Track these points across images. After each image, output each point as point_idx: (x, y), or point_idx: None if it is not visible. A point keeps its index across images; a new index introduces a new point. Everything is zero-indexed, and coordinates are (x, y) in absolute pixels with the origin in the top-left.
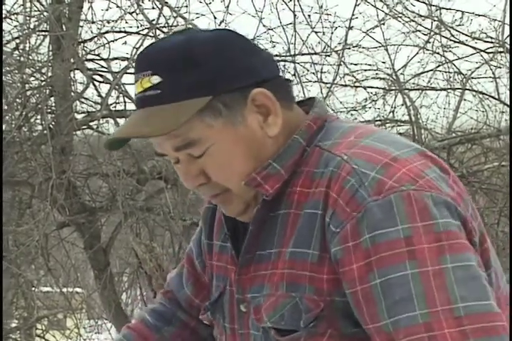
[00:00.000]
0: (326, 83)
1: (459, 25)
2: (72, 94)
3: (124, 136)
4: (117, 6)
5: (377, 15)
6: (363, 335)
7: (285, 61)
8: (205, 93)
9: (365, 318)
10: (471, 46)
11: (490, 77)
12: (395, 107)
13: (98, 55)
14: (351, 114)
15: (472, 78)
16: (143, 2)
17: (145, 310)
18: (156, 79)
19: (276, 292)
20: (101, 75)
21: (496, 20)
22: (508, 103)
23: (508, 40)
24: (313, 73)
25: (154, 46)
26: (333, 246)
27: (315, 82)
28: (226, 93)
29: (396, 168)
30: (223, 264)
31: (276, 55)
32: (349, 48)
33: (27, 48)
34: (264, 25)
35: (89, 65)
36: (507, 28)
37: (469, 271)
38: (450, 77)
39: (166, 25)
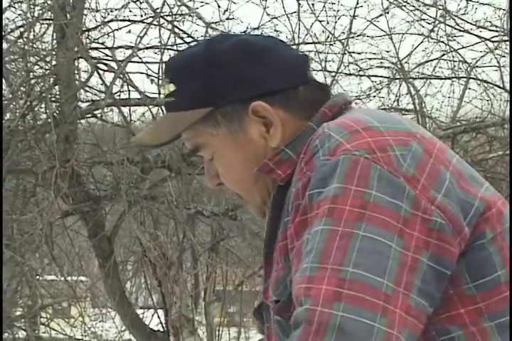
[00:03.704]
0: (331, 72)
1: (464, 13)
2: (77, 82)
3: (135, 142)
4: None
5: (382, 3)
6: None
7: None
8: (207, 104)
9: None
10: (475, 35)
11: (494, 66)
12: (399, 96)
13: (102, 43)
14: (355, 103)
15: (477, 67)
16: None
17: None
18: (172, 87)
19: (278, 266)
20: (105, 64)
21: (500, 8)
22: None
23: None
24: (318, 62)
25: (178, 53)
26: (290, 204)
27: (319, 70)
28: (227, 104)
29: (362, 135)
30: None
31: None
32: (353, 37)
33: (31, 37)
34: (268, 14)
35: (94, 53)
36: None
37: (377, 246)
38: (455, 66)
39: (170, 13)
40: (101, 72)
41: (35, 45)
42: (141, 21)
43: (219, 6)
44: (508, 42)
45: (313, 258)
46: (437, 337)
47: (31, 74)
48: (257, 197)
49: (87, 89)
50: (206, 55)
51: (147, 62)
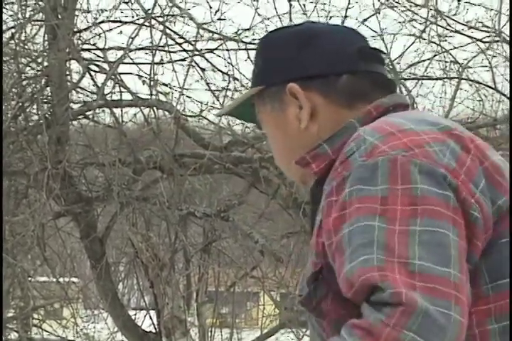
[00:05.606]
0: None
1: (455, 14)
2: (68, 83)
3: (217, 114)
4: None
5: (373, 4)
6: None
7: None
8: (260, 83)
9: (337, 270)
10: (467, 35)
11: (486, 67)
12: None
13: (94, 44)
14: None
15: (468, 67)
16: None
17: None
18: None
19: (309, 261)
20: (97, 65)
21: (492, 9)
22: (506, 93)
23: (504, 30)
24: None
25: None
26: (322, 202)
27: None
28: (273, 85)
29: (397, 137)
30: None
31: None
32: None
33: (22, 38)
34: (259, 15)
35: (85, 54)
36: (503, 17)
37: (436, 237)
38: (446, 67)
39: (162, 14)
40: (92, 73)
41: (26, 46)
42: (133, 22)
43: (210, 7)
44: (499, 43)
45: (377, 250)
46: None
47: (23, 75)
48: (296, 177)
49: (78, 90)
50: (263, 42)
51: (139, 63)
